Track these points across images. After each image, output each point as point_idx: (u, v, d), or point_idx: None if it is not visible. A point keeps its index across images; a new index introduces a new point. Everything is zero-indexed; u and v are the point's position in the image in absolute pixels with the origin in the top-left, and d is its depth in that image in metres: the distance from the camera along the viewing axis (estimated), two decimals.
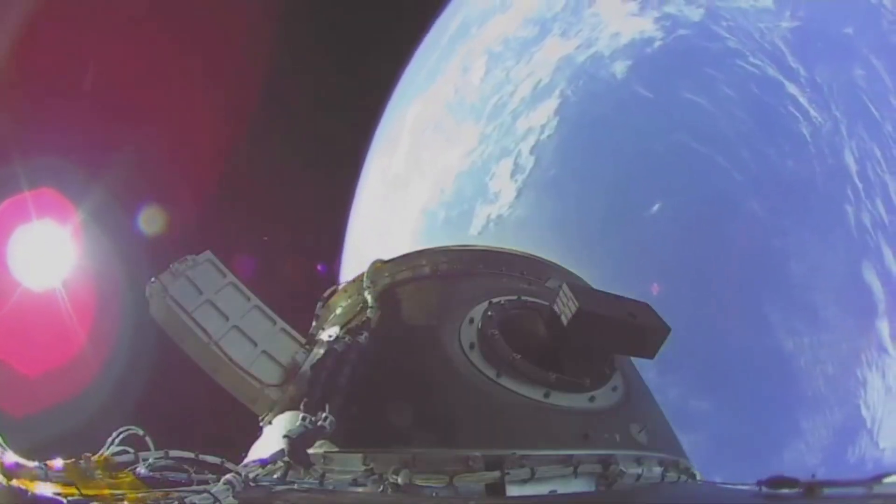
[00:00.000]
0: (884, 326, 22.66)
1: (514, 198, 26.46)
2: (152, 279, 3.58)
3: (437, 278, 4.39)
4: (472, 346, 3.34)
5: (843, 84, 24.36)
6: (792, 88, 24.31)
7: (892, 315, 22.61)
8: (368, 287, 4.38)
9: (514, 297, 3.79)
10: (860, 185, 23.18)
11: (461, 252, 4.58)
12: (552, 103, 26.99)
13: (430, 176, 30.11)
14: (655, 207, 23.62)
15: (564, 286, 3.30)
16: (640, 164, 24.80)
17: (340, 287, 4.85)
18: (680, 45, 25.90)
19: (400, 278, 4.53)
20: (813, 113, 23.88)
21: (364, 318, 4.00)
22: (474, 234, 27.03)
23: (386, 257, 4.80)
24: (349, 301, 4.67)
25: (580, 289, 3.37)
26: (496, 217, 26.56)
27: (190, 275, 3.70)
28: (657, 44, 26.09)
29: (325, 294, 4.90)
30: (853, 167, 23.43)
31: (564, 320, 3.19)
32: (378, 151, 31.58)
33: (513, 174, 27.13)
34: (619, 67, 26.29)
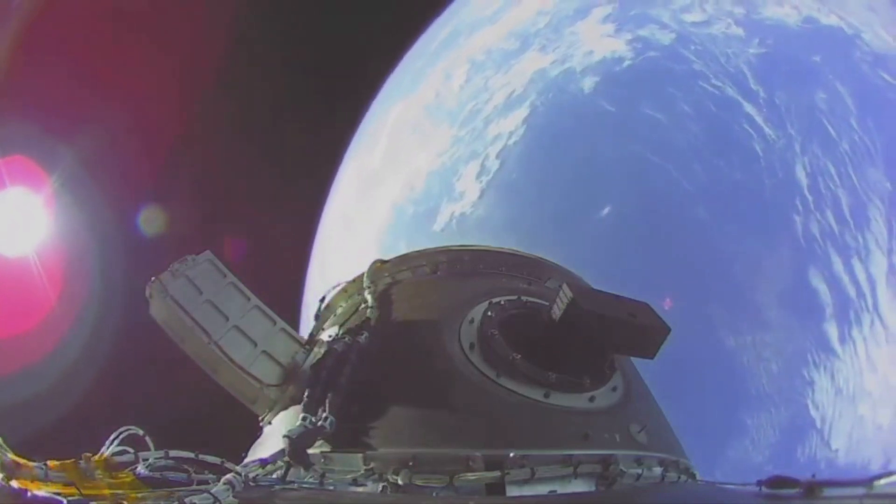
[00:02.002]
0: (832, 330, 23.59)
1: (477, 198, 28.75)
2: (152, 278, 3.58)
3: (436, 278, 4.40)
4: (472, 346, 3.33)
5: (802, 106, 25.94)
6: (749, 108, 26.54)
7: (841, 319, 23.54)
8: (368, 287, 4.38)
9: (514, 297, 3.80)
10: (810, 198, 24.83)
11: (461, 252, 4.58)
12: (522, 112, 29.37)
13: (403, 173, 32.16)
14: (605, 211, 25.69)
15: (564, 286, 3.30)
16: (596, 171, 27.04)
17: (340, 287, 4.85)
18: (647, 65, 28.23)
19: (400, 278, 4.54)
20: (767, 131, 26.08)
21: (364, 318, 4.00)
22: (437, 231, 28.87)
23: (385, 257, 4.81)
24: (349, 301, 4.68)
25: (580, 289, 3.37)
26: (459, 215, 28.62)
27: (190, 275, 3.69)
28: (626, 63, 28.50)
29: (325, 294, 4.91)
30: (804, 181, 25.06)
31: (564, 320, 3.19)
32: (359, 147, 33.91)
33: (478, 176, 29.23)
34: (588, 83, 28.71)
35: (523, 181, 28.33)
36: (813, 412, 23.25)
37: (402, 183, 31.80)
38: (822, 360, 23.46)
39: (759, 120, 26.04)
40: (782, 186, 25.25)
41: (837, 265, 24.09)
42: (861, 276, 24.03)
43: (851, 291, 23.93)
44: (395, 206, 31.32)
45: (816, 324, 23.81)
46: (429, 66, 34.17)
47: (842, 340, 23.47)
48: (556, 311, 3.25)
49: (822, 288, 24.04)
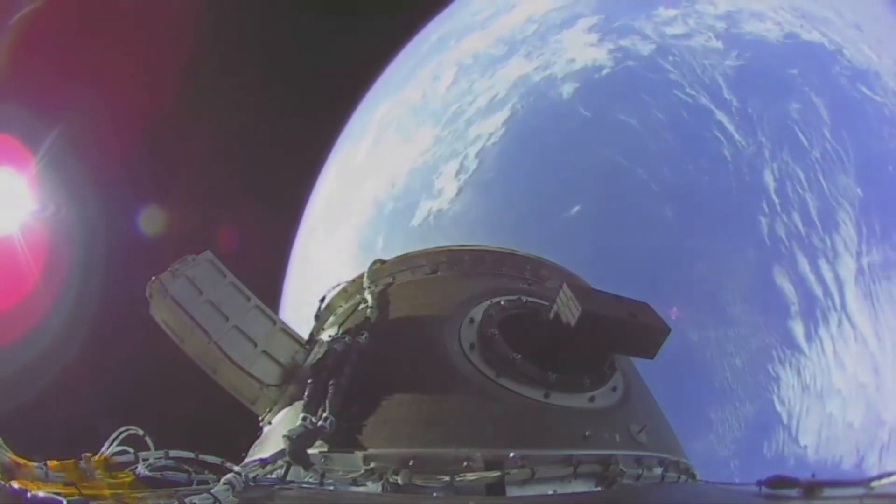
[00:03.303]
0: (797, 327, 24.16)
1: (455, 195, 30.10)
2: (153, 278, 3.58)
3: (437, 278, 4.39)
4: (472, 346, 3.33)
5: (775, 115, 26.92)
6: (721, 116, 27.74)
7: (807, 317, 24.11)
8: (368, 287, 4.38)
9: (515, 297, 3.79)
10: (777, 201, 25.74)
11: (461, 252, 4.57)
12: (503, 115, 31.07)
13: (386, 170, 33.46)
14: (574, 210, 26.96)
15: (564, 286, 3.29)
16: (568, 172, 28.53)
17: (340, 287, 4.85)
18: (625, 74, 29.81)
19: (400, 278, 4.53)
20: (738, 137, 27.20)
21: (364, 318, 4.00)
22: (414, 226, 30.08)
23: (385, 257, 4.81)
24: (349, 301, 4.67)
25: (581, 289, 3.36)
26: (436, 211, 29.99)
27: (190, 275, 3.69)
28: (605, 71, 30.11)
29: (325, 293, 4.90)
30: (772, 185, 26.01)
31: (565, 320, 3.19)
32: (346, 143, 35.48)
33: (457, 174, 30.57)
34: (568, 89, 30.37)
35: (499, 180, 29.72)
36: (779, 407, 23.67)
37: (385, 179, 33.09)
38: (788, 356, 23.94)
39: (730, 127, 27.29)
40: (749, 190, 26.21)
41: (803, 265, 24.77)
42: (828, 277, 24.63)
43: (818, 291, 24.56)
44: (376, 202, 32.60)
45: (781, 321, 24.34)
46: (418, 68, 35.64)
47: (808, 338, 23.98)
48: (559, 310, 3.24)
49: (787, 287, 24.67)
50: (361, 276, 4.60)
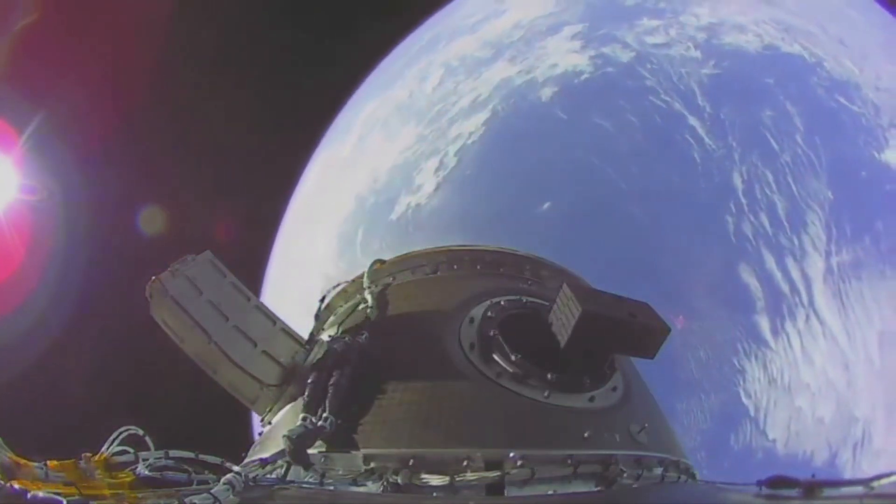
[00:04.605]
0: (763, 322, 24.81)
1: (433, 190, 31.36)
2: (153, 278, 3.57)
3: (437, 278, 4.39)
4: (472, 346, 3.33)
5: (747, 121, 28.04)
6: (693, 121, 28.91)
7: (773, 312, 24.72)
8: (368, 287, 4.38)
9: (515, 297, 3.79)
10: (744, 201, 26.64)
11: (461, 252, 4.57)
12: (484, 115, 32.36)
13: (369, 165, 34.70)
14: (545, 206, 28.25)
15: (565, 286, 3.29)
16: (541, 170, 29.80)
17: (341, 287, 4.85)
18: (603, 79, 31.20)
19: (400, 278, 4.53)
20: (708, 141, 28.29)
21: (364, 318, 4.00)
22: (393, 219, 31.25)
23: (385, 257, 4.81)
24: (349, 301, 4.67)
25: (581, 289, 3.36)
26: (415, 206, 31.11)
27: (190, 274, 3.69)
28: (584, 76, 31.50)
29: (326, 293, 4.90)
30: (740, 186, 26.98)
31: (566, 320, 3.19)
32: (332, 138, 36.56)
33: (436, 170, 31.86)
34: (547, 92, 31.72)
35: (476, 177, 31.08)
36: (745, 400, 24.12)
37: (367, 175, 34.31)
38: (753, 349, 24.49)
39: (701, 132, 28.40)
40: (717, 190, 27.23)
41: (770, 262, 25.49)
42: (796, 275, 25.30)
43: (785, 287, 25.20)
44: (357, 196, 33.82)
45: (746, 315, 24.93)
46: (407, 68, 36.79)
47: (774, 332, 24.57)
48: (559, 310, 3.24)
49: (752, 283, 25.31)
50: (361, 276, 4.60)
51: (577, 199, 28.50)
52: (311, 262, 30.96)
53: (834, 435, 22.53)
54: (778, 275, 25.31)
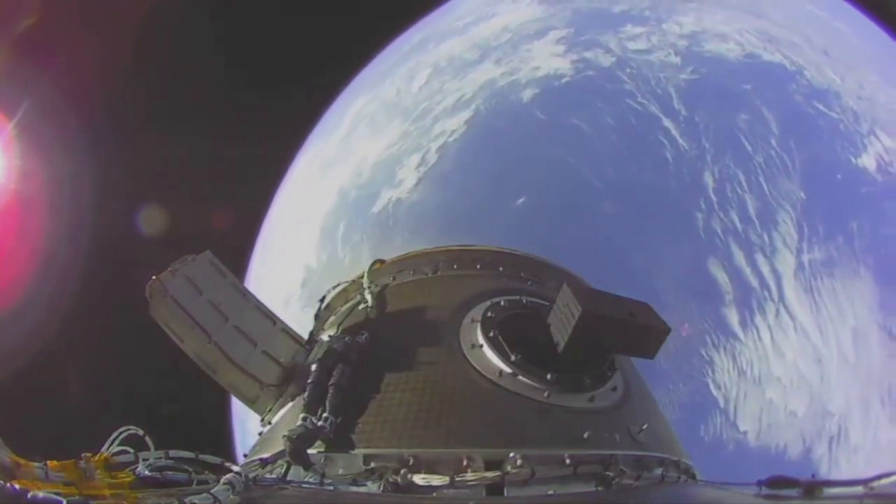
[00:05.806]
0: (732, 314, 25.52)
1: (413, 185, 32.49)
2: (153, 278, 3.57)
3: (437, 278, 4.39)
4: (472, 347, 3.33)
5: (722, 125, 29.23)
6: (667, 123, 30.14)
7: (742, 306, 25.46)
8: (368, 287, 4.38)
9: (515, 297, 3.79)
10: (714, 199, 27.77)
11: (461, 252, 4.58)
12: (466, 114, 33.75)
13: (354, 161, 35.69)
14: (520, 201, 29.45)
15: (565, 286, 3.30)
16: (518, 168, 31.08)
17: (341, 287, 4.85)
18: (583, 82, 32.66)
19: (400, 278, 4.53)
20: (681, 142, 29.44)
21: (364, 318, 4.00)
22: (374, 213, 32.28)
23: (385, 257, 4.81)
24: (349, 301, 4.67)
25: (581, 289, 3.36)
26: (395, 200, 32.20)
27: (190, 274, 3.69)
28: (565, 79, 32.96)
29: (328, 292, 4.90)
30: (710, 185, 28.15)
31: (566, 320, 3.19)
32: (320, 134, 36.90)
33: (418, 166, 32.93)
34: (528, 93, 33.17)
35: (455, 173, 32.28)
36: (714, 391, 24.62)
37: (352, 170, 35.29)
38: (722, 341, 25.03)
39: (675, 133, 29.64)
40: (688, 189, 28.34)
41: (739, 258, 26.23)
42: (765, 270, 25.99)
43: (754, 282, 25.90)
44: (340, 191, 34.80)
45: (715, 308, 25.61)
46: (397, 67, 37.70)
47: (743, 325, 25.15)
48: (559, 310, 3.24)
49: (721, 277, 26.01)
50: (361, 276, 4.60)
51: (551, 195, 29.71)
52: (293, 254, 31.57)
53: (808, 428, 22.89)
54: (747, 270, 26.04)
